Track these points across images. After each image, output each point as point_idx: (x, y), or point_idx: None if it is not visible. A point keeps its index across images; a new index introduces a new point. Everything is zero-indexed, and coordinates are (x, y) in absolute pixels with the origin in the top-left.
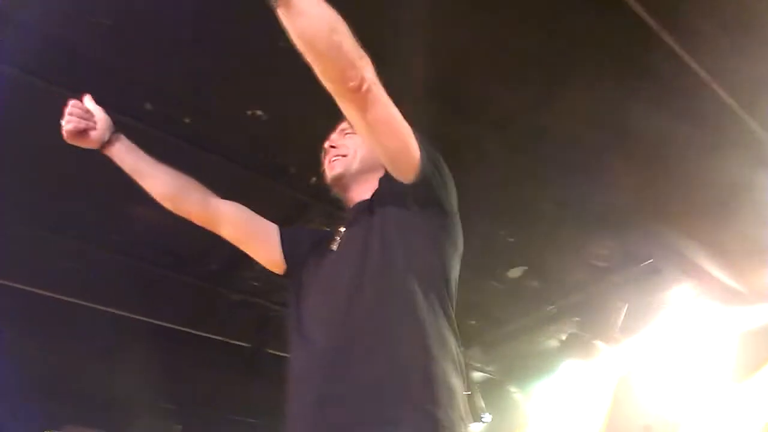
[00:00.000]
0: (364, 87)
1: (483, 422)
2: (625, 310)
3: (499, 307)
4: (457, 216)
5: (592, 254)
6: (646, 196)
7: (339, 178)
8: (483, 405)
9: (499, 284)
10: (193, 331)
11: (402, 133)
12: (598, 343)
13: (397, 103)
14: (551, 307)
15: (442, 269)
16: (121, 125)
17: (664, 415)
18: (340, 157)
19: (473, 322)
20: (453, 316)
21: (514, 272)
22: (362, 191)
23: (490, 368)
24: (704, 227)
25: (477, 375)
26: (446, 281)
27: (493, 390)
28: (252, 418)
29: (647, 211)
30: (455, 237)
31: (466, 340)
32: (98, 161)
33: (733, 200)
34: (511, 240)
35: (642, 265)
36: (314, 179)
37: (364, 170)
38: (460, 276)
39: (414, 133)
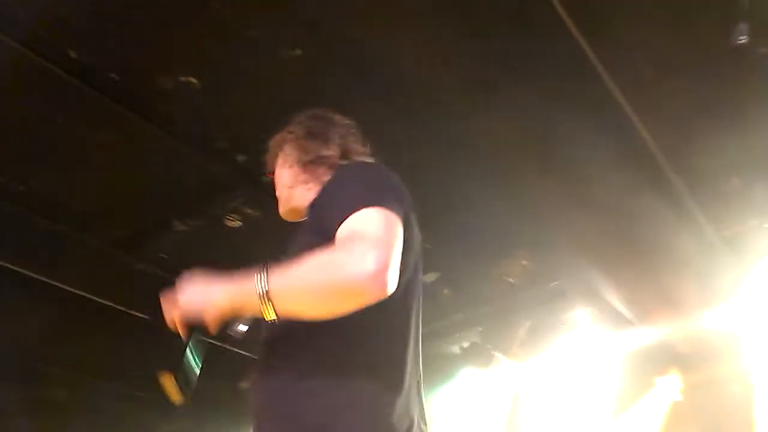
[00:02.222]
0: (382, 274)
1: None
2: (527, 327)
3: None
4: None
5: (505, 270)
6: (562, 222)
7: (286, 217)
8: None
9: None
10: (91, 296)
11: None
12: (498, 355)
13: None
14: (458, 314)
15: None
16: (45, 73)
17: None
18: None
19: None
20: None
21: (429, 277)
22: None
23: None
24: (609, 258)
25: None
26: None
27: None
28: (145, 392)
29: (561, 236)
30: None
31: None
32: None
33: (639, 238)
34: (428, 246)
35: (549, 285)
36: (242, 158)
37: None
38: None
39: None
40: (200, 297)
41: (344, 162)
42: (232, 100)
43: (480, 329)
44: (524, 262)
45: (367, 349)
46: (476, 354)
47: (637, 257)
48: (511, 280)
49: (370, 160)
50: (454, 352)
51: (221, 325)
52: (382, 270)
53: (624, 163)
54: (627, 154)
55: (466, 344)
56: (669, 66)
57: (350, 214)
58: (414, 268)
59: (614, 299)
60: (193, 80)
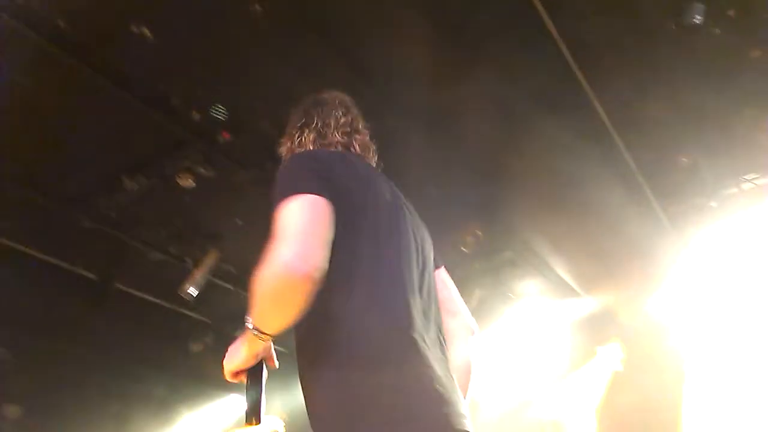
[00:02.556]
0: (297, 258)
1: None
2: (478, 296)
3: None
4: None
5: (460, 239)
6: (517, 194)
7: None
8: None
9: None
10: (37, 254)
11: None
12: None
13: None
14: None
15: None
16: None
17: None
18: None
19: None
20: None
21: None
22: None
23: None
24: (558, 230)
25: None
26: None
27: None
28: (92, 353)
29: (515, 208)
30: None
31: None
32: None
33: (588, 212)
34: None
35: (500, 255)
36: (197, 115)
37: None
38: None
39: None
40: (232, 358)
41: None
42: (187, 55)
43: None
44: (478, 232)
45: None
46: None
47: (585, 230)
48: (464, 249)
49: (341, 140)
50: None
51: (257, 362)
52: (296, 255)
53: (580, 139)
54: (584, 130)
55: None
56: (621, 46)
57: (275, 212)
58: (362, 203)
59: (562, 270)
60: (147, 32)
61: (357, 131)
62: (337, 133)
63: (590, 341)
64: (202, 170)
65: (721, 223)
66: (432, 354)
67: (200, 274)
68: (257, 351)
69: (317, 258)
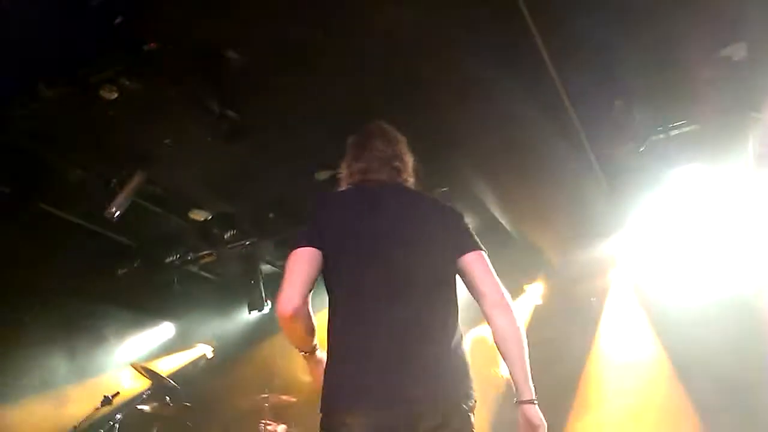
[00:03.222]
0: (279, 305)
1: (262, 311)
2: None
3: (303, 206)
4: None
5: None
6: (456, 130)
7: None
8: (264, 296)
9: (307, 183)
10: None
11: None
12: None
13: None
14: None
15: None
16: None
17: None
18: None
19: (271, 215)
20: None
21: (322, 175)
22: None
23: (280, 263)
24: (494, 168)
25: (266, 268)
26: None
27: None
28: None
29: (454, 143)
30: None
31: (260, 232)
32: None
33: (524, 152)
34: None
35: (437, 191)
36: (119, 19)
37: None
38: (269, 171)
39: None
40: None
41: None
42: None
43: None
44: (418, 167)
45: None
46: None
47: (520, 170)
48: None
49: (352, 179)
50: None
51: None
52: (280, 302)
53: (519, 78)
54: (523, 72)
55: None
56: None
57: None
58: (339, 241)
59: (495, 209)
60: None
61: (371, 160)
62: (350, 170)
63: (520, 279)
64: (126, 82)
65: (648, 169)
66: (384, 359)
67: (125, 195)
68: (306, 363)
69: (294, 301)
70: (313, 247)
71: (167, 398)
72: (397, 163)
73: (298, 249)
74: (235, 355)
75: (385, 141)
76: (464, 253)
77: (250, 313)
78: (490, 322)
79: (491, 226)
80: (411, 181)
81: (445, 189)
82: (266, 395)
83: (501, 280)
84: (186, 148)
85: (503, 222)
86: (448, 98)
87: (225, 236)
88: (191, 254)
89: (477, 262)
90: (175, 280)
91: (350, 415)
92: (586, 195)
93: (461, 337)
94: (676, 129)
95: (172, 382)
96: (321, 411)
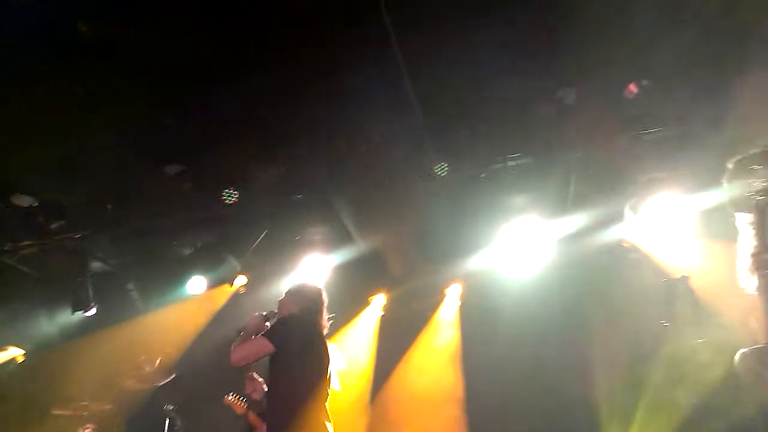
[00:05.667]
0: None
1: (88, 313)
2: (263, 236)
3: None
4: None
5: (253, 177)
6: (318, 138)
7: None
8: (91, 296)
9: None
10: None
11: None
12: (231, 258)
13: None
14: (199, 212)
15: None
16: None
17: None
18: None
19: (110, 207)
20: None
21: (172, 168)
22: None
23: (113, 261)
24: (347, 176)
25: (96, 265)
26: None
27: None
28: None
29: (315, 150)
30: None
31: (94, 224)
32: None
33: (379, 160)
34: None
35: (292, 198)
36: None
37: None
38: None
39: None
40: None
41: None
42: None
43: (217, 232)
44: (281, 170)
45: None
46: (208, 255)
47: (373, 184)
48: (256, 185)
49: None
50: (184, 252)
51: None
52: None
53: (379, 92)
54: (385, 83)
55: (198, 244)
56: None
57: None
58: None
59: (345, 216)
60: None
61: None
62: None
63: (365, 291)
64: None
65: (489, 194)
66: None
67: None
68: None
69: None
70: None
71: None
72: None
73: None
74: (51, 358)
75: None
76: None
77: (73, 313)
78: None
79: (339, 234)
80: None
81: (299, 196)
82: (86, 403)
83: (347, 290)
84: (16, 124)
85: (351, 231)
86: (310, 104)
87: (51, 226)
88: (9, 244)
89: None
90: None
91: None
92: (431, 215)
93: None
94: (512, 160)
95: None
96: None
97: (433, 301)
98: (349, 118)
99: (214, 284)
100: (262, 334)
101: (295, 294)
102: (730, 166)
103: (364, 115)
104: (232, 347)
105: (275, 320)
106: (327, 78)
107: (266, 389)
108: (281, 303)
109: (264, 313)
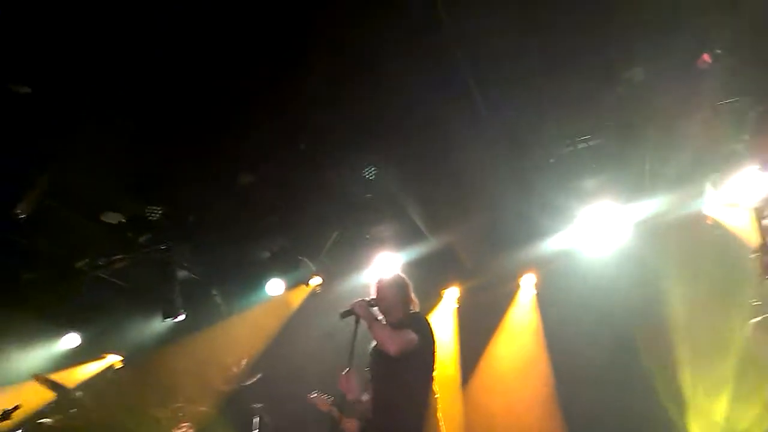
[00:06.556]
0: None
1: (177, 319)
2: (335, 237)
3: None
4: None
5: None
6: (376, 141)
7: None
8: (180, 303)
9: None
10: None
11: None
12: (306, 260)
13: None
14: (272, 218)
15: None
16: None
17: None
18: None
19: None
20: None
21: (244, 178)
22: None
23: (197, 269)
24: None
25: (182, 274)
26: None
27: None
28: None
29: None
30: None
31: (177, 236)
32: None
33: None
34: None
35: (361, 199)
36: None
37: None
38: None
39: None
40: None
41: None
42: None
43: (289, 236)
44: (343, 173)
45: None
46: (283, 259)
47: (439, 177)
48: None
49: None
50: (262, 256)
51: None
52: None
53: (446, 99)
54: (450, 91)
55: (275, 249)
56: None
57: None
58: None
59: (415, 214)
60: None
61: None
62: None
63: (437, 285)
64: None
65: (558, 179)
66: None
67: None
68: None
69: None
70: None
71: (72, 411)
72: None
73: None
74: (146, 364)
75: None
76: None
77: (164, 320)
78: None
79: (411, 231)
80: None
81: (369, 195)
82: (180, 404)
83: (419, 285)
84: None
85: (421, 226)
86: (375, 111)
87: (139, 240)
88: (103, 259)
89: None
90: (85, 286)
91: None
92: (500, 203)
93: None
94: (582, 143)
95: (77, 393)
96: None
97: (508, 290)
98: (414, 112)
99: (291, 285)
100: (405, 328)
101: (393, 286)
102: None
103: (429, 110)
104: (385, 335)
105: (397, 312)
106: (398, 82)
107: (364, 395)
108: (382, 291)
109: (368, 299)
